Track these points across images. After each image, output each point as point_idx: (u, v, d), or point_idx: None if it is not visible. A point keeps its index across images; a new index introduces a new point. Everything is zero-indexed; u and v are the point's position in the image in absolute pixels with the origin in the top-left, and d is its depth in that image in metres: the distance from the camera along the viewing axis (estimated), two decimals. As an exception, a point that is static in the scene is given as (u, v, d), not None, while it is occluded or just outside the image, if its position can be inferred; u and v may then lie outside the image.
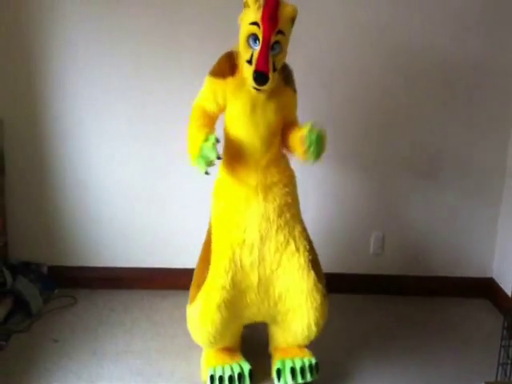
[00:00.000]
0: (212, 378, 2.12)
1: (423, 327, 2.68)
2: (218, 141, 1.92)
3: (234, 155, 2.10)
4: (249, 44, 1.92)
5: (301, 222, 2.19)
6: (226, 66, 2.04)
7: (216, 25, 2.63)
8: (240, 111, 2.04)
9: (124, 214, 2.87)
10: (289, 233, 2.12)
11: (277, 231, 2.10)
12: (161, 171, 2.83)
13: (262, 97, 2.02)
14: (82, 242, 2.89)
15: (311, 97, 2.62)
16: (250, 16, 1.91)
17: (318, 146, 1.97)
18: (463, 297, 2.95)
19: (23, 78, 2.70)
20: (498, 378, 1.99)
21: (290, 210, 2.13)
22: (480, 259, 2.97)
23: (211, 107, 2.09)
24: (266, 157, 2.07)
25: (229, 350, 2.23)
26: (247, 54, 1.94)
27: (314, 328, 2.15)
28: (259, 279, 2.11)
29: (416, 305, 2.88)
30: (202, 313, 2.08)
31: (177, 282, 2.79)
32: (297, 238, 2.13)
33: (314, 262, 2.16)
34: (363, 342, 2.53)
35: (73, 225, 2.88)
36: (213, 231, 2.16)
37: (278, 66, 1.98)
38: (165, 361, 2.34)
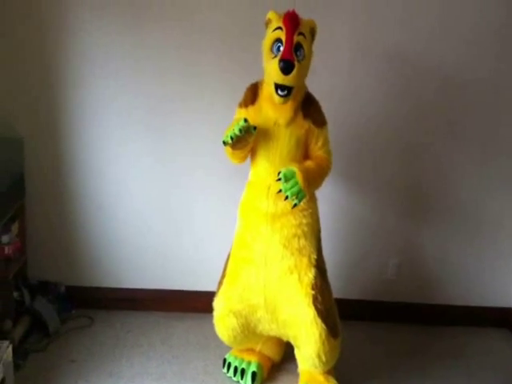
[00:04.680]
0: (224, 360, 2.44)
1: (440, 357, 2.64)
2: (251, 126, 1.97)
3: (252, 179, 2.19)
4: (273, 52, 1.99)
5: (313, 253, 2.14)
6: (249, 96, 2.12)
7: (237, 49, 2.62)
8: (256, 136, 2.07)
9: (142, 236, 2.88)
10: (294, 263, 2.11)
11: (282, 259, 2.12)
12: (179, 193, 2.84)
13: (275, 124, 2.06)
14: (100, 262, 2.91)
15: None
16: (273, 25, 2.01)
17: (291, 187, 1.96)
18: (482, 326, 2.91)
19: (44, 99, 2.71)
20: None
21: (300, 241, 2.12)
22: (499, 288, 2.93)
23: None
24: (277, 185, 2.02)
25: (252, 350, 2.42)
26: (272, 60, 1.97)
27: (317, 360, 2.14)
28: (265, 300, 2.16)
29: (433, 334, 2.84)
30: (216, 318, 2.28)
31: (194, 304, 2.79)
32: (302, 270, 2.11)
33: (323, 299, 2.10)
34: (377, 370, 2.51)
35: (91, 246, 2.90)
36: (232, 246, 2.27)
37: (303, 75, 2.02)
38: (181, 384, 2.33)
